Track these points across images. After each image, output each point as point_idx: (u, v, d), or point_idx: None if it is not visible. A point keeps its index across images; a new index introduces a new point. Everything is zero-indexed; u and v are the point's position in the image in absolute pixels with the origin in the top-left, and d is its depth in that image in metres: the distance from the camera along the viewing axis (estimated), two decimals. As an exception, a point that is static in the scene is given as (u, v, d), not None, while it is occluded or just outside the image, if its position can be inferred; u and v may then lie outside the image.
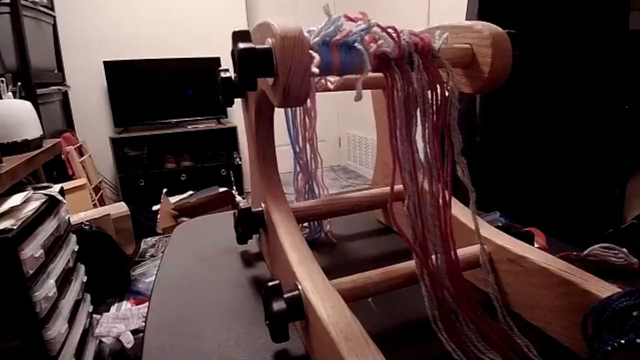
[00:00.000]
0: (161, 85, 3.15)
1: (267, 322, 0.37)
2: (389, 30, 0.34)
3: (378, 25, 0.33)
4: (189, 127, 3.19)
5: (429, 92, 0.35)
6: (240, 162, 3.23)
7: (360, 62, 0.32)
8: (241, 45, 0.30)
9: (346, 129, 4.08)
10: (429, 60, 0.35)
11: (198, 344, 0.41)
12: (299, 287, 0.37)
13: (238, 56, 0.30)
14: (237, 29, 0.34)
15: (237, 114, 3.30)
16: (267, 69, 0.30)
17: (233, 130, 3.24)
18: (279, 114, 0.49)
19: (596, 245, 0.51)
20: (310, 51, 0.31)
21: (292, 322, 0.37)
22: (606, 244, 0.50)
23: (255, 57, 0.30)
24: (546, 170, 1.14)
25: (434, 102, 0.35)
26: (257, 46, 0.30)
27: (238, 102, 0.52)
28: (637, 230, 1.03)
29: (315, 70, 0.30)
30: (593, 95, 1.10)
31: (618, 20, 1.06)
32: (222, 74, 0.46)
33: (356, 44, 0.32)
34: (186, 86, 3.21)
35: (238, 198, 2.54)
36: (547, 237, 0.59)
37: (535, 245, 0.54)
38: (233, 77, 0.46)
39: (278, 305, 0.36)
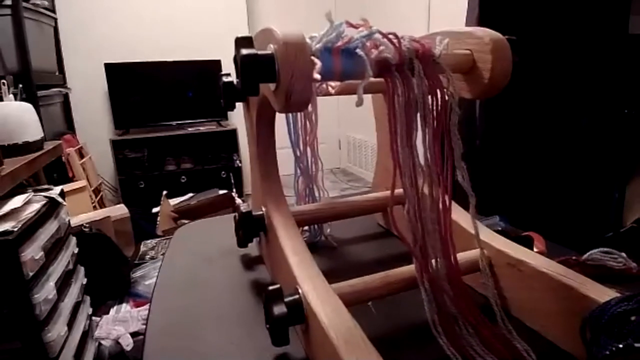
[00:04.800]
0: (162, 88, 3.16)
1: (267, 326, 0.37)
2: (390, 36, 0.34)
3: (379, 32, 0.33)
4: (189, 129, 3.19)
5: (430, 97, 0.35)
6: (240, 165, 3.23)
7: (361, 68, 0.33)
8: (244, 51, 0.30)
9: (346, 132, 4.08)
10: (430, 66, 0.35)
11: (198, 347, 0.41)
12: (300, 291, 0.37)
13: (240, 62, 0.31)
14: (239, 35, 0.34)
15: (237, 116, 3.30)
16: (269, 75, 0.30)
17: (233, 132, 3.24)
18: (279, 117, 0.50)
19: (595, 250, 0.51)
20: (312, 57, 0.31)
21: (293, 326, 0.37)
22: (605, 248, 0.51)
23: (257, 63, 0.30)
24: (546, 175, 1.14)
25: (435, 108, 0.36)
26: (260, 52, 0.30)
27: (238, 104, 0.52)
28: (637, 234, 1.03)
29: (317, 76, 0.31)
30: (593, 100, 1.10)
31: (618, 24, 1.07)
32: (224, 79, 0.47)
33: (357, 50, 0.33)
34: (187, 88, 3.21)
35: (238, 200, 2.54)
36: (547, 242, 0.59)
37: (535, 249, 0.54)
38: (235, 82, 0.46)
39: (278, 309, 0.36)
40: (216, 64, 3.06)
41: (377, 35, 0.33)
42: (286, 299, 0.36)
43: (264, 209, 0.51)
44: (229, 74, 0.46)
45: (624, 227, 1.09)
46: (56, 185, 1.32)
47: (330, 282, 0.38)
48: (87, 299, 1.36)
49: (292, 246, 0.43)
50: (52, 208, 1.18)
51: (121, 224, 2.02)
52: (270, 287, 0.37)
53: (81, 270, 1.35)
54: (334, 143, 4.21)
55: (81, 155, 2.58)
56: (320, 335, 0.33)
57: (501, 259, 0.43)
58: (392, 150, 0.35)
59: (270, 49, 0.31)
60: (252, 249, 0.60)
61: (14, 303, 0.96)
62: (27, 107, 1.34)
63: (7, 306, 0.97)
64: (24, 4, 2.02)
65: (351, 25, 0.34)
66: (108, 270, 1.68)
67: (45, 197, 1.16)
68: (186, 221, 1.97)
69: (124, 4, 3.02)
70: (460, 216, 0.49)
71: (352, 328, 0.32)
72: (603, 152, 1.09)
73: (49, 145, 1.39)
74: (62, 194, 1.26)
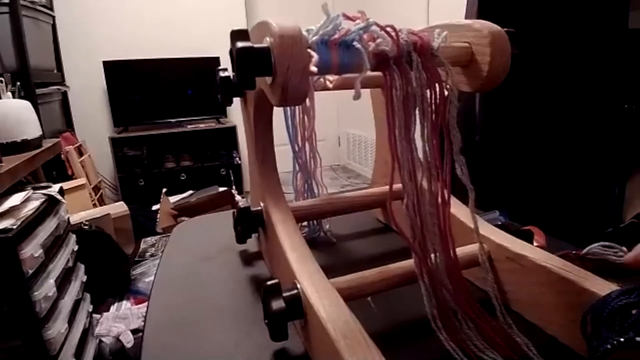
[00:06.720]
0: (161, 85, 3.15)
1: (266, 321, 0.37)
2: (388, 29, 0.33)
3: (377, 24, 0.33)
4: (188, 126, 3.19)
5: (428, 91, 0.35)
6: (239, 162, 3.22)
7: (359, 61, 0.32)
8: (239, 44, 0.30)
9: (346, 129, 4.07)
10: (428, 59, 0.35)
11: (197, 343, 0.41)
12: (298, 286, 0.37)
13: (236, 55, 0.30)
14: (235, 28, 0.34)
15: (236, 114, 3.29)
16: (265, 68, 0.30)
17: (232, 129, 3.23)
18: (278, 113, 0.49)
19: (595, 244, 0.50)
20: (309, 50, 0.31)
21: (291, 321, 0.37)
22: (605, 243, 0.50)
23: (253, 56, 0.30)
24: (545, 169, 1.14)
25: (433, 101, 0.35)
26: (256, 45, 0.30)
27: (237, 101, 0.52)
28: (637, 229, 1.02)
29: (313, 69, 0.30)
30: (592, 94, 1.10)
31: (618, 19, 1.06)
32: (221, 73, 0.46)
33: (355, 43, 0.32)
34: (185, 86, 3.20)
35: (238, 197, 2.54)
36: (546, 236, 0.59)
37: (535, 243, 0.54)
38: (232, 76, 0.46)
39: (277, 304, 0.36)
40: (215, 61, 3.05)
41: (375, 28, 0.33)
42: (285, 294, 0.36)
43: (262, 204, 0.50)
44: (225, 69, 0.46)
45: (624, 222, 1.09)
46: (55, 183, 1.32)
47: (329, 277, 0.38)
48: (87, 296, 1.37)
49: (290, 242, 0.43)
50: (51, 206, 1.17)
51: (121, 222, 2.02)
52: (269, 282, 0.37)
53: (81, 267, 1.35)
54: (333, 140, 4.20)
55: (80, 153, 2.58)
56: (319, 330, 0.32)
57: (501, 253, 0.43)
58: (390, 144, 0.35)
59: (266, 41, 0.30)
60: (251, 245, 0.60)
61: (14, 301, 0.96)
62: (26, 104, 1.33)
63: (7, 304, 0.97)
64: (22, 2, 2.01)
65: (348, 18, 0.33)
66: (108, 267, 1.68)
67: (45, 194, 1.16)
68: (186, 218, 1.97)
69: (121, 1, 3.01)
70: (460, 210, 0.48)
71: (351, 323, 0.32)
72: (603, 147, 1.09)
73: (47, 143, 1.38)
74: (62, 191, 1.26)
